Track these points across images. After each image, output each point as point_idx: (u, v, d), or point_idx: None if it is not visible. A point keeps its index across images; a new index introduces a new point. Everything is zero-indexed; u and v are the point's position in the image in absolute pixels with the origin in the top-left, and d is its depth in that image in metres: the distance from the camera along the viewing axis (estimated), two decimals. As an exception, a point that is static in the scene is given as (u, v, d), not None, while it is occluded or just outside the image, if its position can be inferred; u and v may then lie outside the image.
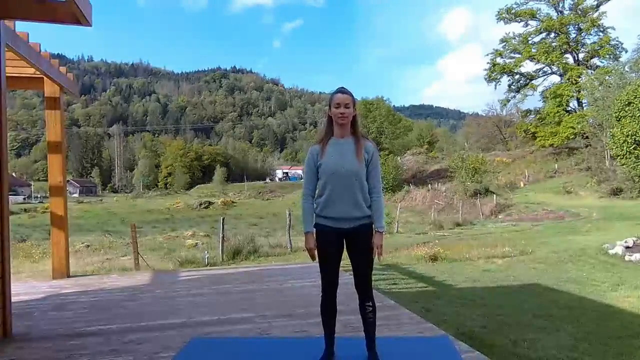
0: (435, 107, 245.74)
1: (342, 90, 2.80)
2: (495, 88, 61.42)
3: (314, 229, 2.79)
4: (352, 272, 2.84)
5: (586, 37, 40.48)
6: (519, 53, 42.38)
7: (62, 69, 6.25)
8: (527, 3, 41.88)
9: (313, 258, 2.80)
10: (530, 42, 42.09)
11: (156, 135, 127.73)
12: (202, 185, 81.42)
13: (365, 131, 36.17)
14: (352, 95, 2.78)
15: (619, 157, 24.58)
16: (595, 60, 40.22)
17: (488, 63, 43.72)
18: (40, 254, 10.74)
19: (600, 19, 39.06)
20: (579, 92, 37.50)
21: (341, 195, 2.71)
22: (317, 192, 2.79)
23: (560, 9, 41.77)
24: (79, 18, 3.88)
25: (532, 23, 42.28)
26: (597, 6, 39.70)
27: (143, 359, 3.21)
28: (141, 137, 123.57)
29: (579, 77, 37.96)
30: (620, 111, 23.87)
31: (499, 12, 42.53)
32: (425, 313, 5.15)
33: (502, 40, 43.10)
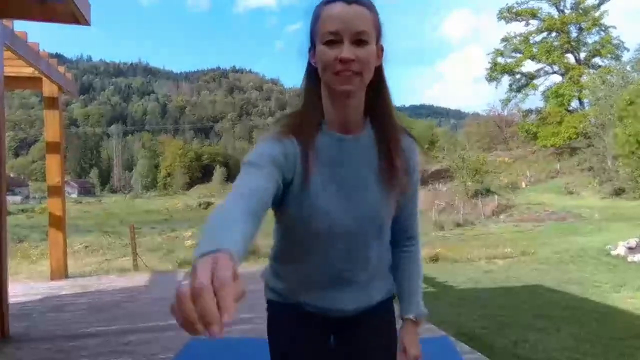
0: (436, 107, 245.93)
1: None
2: (496, 87, 61.34)
3: (234, 256, 0.62)
4: None
5: (587, 36, 40.49)
6: (520, 52, 42.35)
7: (61, 69, 6.22)
8: (528, 2, 41.87)
9: (192, 329, 0.53)
10: (531, 41, 42.08)
11: (155, 135, 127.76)
12: (202, 185, 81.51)
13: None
14: (370, 11, 1.02)
15: (621, 157, 24.53)
16: (597, 60, 40.22)
17: (489, 62, 43.72)
18: (38, 254, 10.71)
19: (602, 18, 39.06)
20: (581, 91, 37.48)
21: (343, 274, 1.13)
22: (281, 247, 1.20)
23: (561, 8, 41.75)
24: (77, 17, 3.85)
25: (533, 22, 42.27)
26: (599, 5, 39.69)
27: (142, 361, 3.18)
28: (140, 137, 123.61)
29: (581, 76, 37.96)
30: (623, 111, 23.83)
31: (500, 11, 42.53)
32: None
33: (503, 40, 43.09)
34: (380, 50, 1.05)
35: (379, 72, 1.06)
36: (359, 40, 0.97)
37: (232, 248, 0.63)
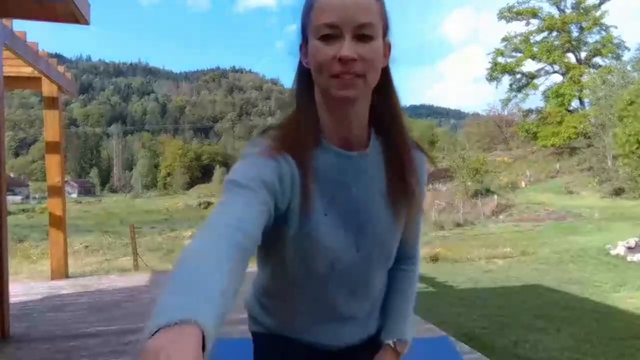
0: (436, 107, 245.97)
1: None
2: (497, 87, 61.41)
3: (207, 330, 0.48)
4: None
5: (588, 36, 40.48)
6: (520, 52, 42.35)
7: (60, 69, 6.21)
8: (528, 1, 41.86)
9: None
10: (531, 41, 42.07)
11: (155, 135, 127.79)
12: (202, 185, 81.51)
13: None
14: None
15: (621, 157, 24.54)
16: (597, 59, 40.23)
17: (489, 62, 43.71)
18: (38, 254, 10.72)
19: (603, 18, 39.06)
20: (581, 91, 37.49)
21: (343, 310, 0.98)
22: (266, 283, 1.03)
23: (562, 7, 41.75)
24: (77, 17, 3.84)
25: (534, 22, 42.25)
26: (599, 4, 39.69)
27: (141, 361, 3.18)
28: (140, 137, 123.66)
29: (581, 76, 37.96)
30: (623, 110, 23.84)
31: (500, 10, 42.51)
32: (426, 314, 5.13)
33: (503, 39, 43.08)
34: (387, 47, 0.87)
35: (385, 73, 0.87)
36: (362, 35, 0.80)
37: (205, 319, 0.48)
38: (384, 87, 0.88)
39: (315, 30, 0.81)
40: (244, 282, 0.63)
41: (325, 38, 0.80)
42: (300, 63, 0.89)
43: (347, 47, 0.78)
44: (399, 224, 0.96)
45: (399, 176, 0.91)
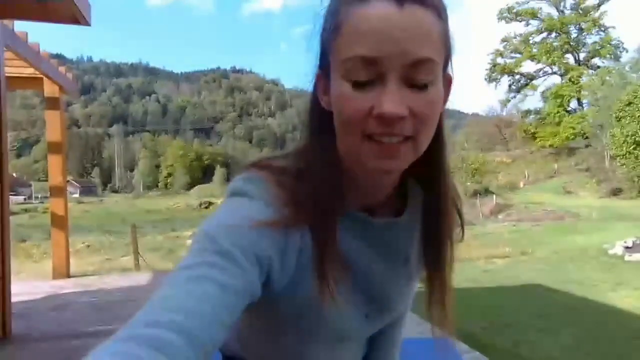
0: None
1: None
2: (496, 88, 61.40)
3: None
4: None
5: (587, 37, 40.53)
6: (519, 53, 42.39)
7: (62, 69, 6.24)
8: (528, 2, 41.91)
9: None
10: (531, 42, 42.11)
11: (156, 135, 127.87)
12: (203, 185, 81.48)
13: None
14: (437, 15, 0.54)
15: (618, 157, 24.59)
16: (596, 60, 40.29)
17: (489, 63, 43.75)
18: (40, 254, 10.76)
19: (602, 19, 39.11)
20: (580, 92, 37.51)
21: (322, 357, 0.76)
22: (242, 331, 0.81)
23: (561, 8, 41.78)
24: (78, 18, 3.87)
25: (533, 23, 42.34)
26: (598, 6, 39.73)
27: None
28: (141, 137, 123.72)
29: (580, 77, 38.00)
30: (621, 111, 23.89)
31: (499, 11, 42.55)
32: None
33: (502, 40, 43.11)
34: (447, 85, 0.61)
35: (441, 124, 0.62)
36: (416, 77, 0.54)
37: None
38: (433, 140, 0.60)
39: (344, 66, 0.55)
40: None
41: (363, 75, 0.54)
42: (314, 96, 0.64)
43: (392, 98, 0.53)
44: (412, 293, 0.80)
45: (436, 239, 0.70)
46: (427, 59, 0.53)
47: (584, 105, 39.15)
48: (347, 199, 0.64)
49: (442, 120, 0.62)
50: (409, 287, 0.78)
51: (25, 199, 62.97)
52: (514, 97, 44.35)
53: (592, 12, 39.71)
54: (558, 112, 38.20)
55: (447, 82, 0.61)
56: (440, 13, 0.56)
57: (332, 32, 0.57)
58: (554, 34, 41.45)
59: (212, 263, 0.50)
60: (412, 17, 0.53)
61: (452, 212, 0.71)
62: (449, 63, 0.60)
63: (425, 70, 0.54)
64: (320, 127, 0.63)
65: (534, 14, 41.70)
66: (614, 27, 39.41)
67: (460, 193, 0.77)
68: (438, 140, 0.62)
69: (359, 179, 0.64)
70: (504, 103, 46.09)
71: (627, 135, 23.11)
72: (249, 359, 0.83)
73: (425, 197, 0.69)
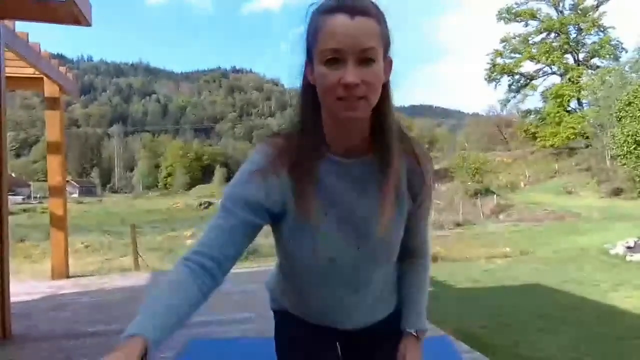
0: (435, 107, 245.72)
1: (352, 6, 0.87)
2: (496, 88, 61.39)
3: (150, 335, 0.77)
4: None
5: (586, 37, 40.51)
6: (519, 53, 42.37)
7: (62, 69, 6.24)
8: (527, 3, 41.89)
9: None
10: (530, 42, 42.10)
11: (156, 135, 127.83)
12: (202, 185, 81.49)
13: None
14: (377, 21, 0.89)
15: (619, 157, 24.60)
16: (596, 61, 40.27)
17: (488, 63, 43.74)
18: (39, 254, 10.75)
19: (601, 19, 39.10)
20: (580, 92, 37.51)
21: (347, 302, 1.10)
22: (284, 273, 1.17)
23: (560, 9, 41.78)
24: (78, 18, 3.86)
25: (533, 23, 42.28)
26: (597, 6, 39.73)
27: (142, 359, 3.20)
28: (141, 137, 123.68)
29: (580, 77, 37.99)
30: (621, 111, 23.90)
31: (499, 12, 42.54)
32: (426, 313, 5.15)
33: (502, 40, 43.10)
34: (388, 65, 0.93)
35: (384, 88, 0.92)
36: (364, 59, 0.85)
37: (147, 330, 0.76)
38: (382, 102, 0.92)
39: (321, 55, 0.87)
40: (201, 293, 0.87)
41: (330, 62, 0.86)
42: (304, 77, 0.95)
43: (350, 73, 0.84)
44: (397, 224, 1.02)
45: (387, 179, 0.97)
46: (370, 47, 0.85)
47: (584, 105, 39.15)
48: (331, 147, 0.97)
49: (388, 91, 0.94)
50: (393, 224, 1.01)
51: (24, 199, 62.90)
52: (514, 97, 44.32)
53: (591, 13, 39.68)
54: (558, 112, 38.17)
55: (389, 62, 0.93)
56: (379, 19, 0.88)
57: (313, 35, 0.90)
58: (553, 35, 41.43)
59: (219, 216, 0.93)
60: (359, 24, 0.85)
61: (394, 154, 0.97)
62: (388, 50, 0.92)
63: (370, 54, 0.86)
64: (306, 95, 0.95)
65: (533, 15, 41.69)
66: (613, 28, 39.40)
67: (423, 150, 1.05)
68: (384, 107, 0.94)
69: (337, 129, 0.95)
70: (504, 103, 46.08)
71: (628, 135, 23.13)
72: (290, 309, 1.17)
73: (378, 148, 0.97)
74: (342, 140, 0.96)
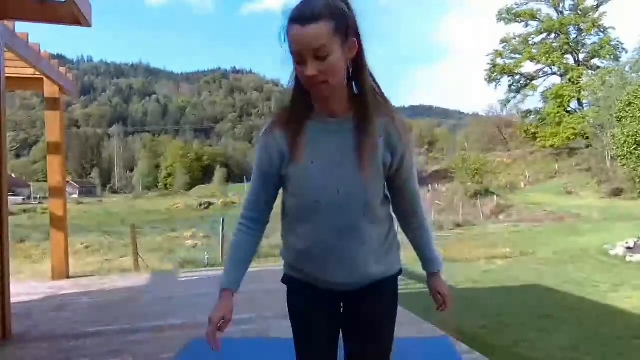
0: (436, 107, 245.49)
1: (300, 16, 1.11)
2: (496, 88, 61.47)
3: (233, 287, 1.29)
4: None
5: (587, 37, 40.52)
6: (519, 54, 42.38)
7: (62, 70, 6.24)
8: (527, 3, 41.92)
9: (215, 344, 1.35)
10: (530, 42, 42.11)
11: (156, 135, 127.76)
12: (202, 185, 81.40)
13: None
14: (327, 20, 1.10)
15: (619, 158, 24.59)
16: (596, 61, 40.26)
17: (488, 64, 43.75)
18: (39, 254, 10.76)
19: (601, 20, 39.11)
20: (580, 92, 37.51)
21: (335, 247, 1.26)
22: (286, 220, 1.36)
23: (560, 9, 41.80)
24: (78, 19, 3.86)
25: (533, 24, 42.32)
26: (597, 6, 39.74)
27: None
28: (141, 137, 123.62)
29: (580, 77, 37.99)
30: (621, 112, 23.89)
31: (499, 12, 42.56)
32: (426, 313, 5.15)
33: (502, 41, 43.11)
34: (352, 45, 1.16)
35: (356, 62, 1.19)
36: (318, 56, 1.10)
37: (234, 283, 1.28)
38: (358, 71, 1.20)
39: (293, 56, 1.15)
40: (255, 239, 1.35)
41: (297, 61, 1.14)
42: (294, 69, 1.21)
43: (309, 69, 1.12)
44: (372, 178, 1.23)
45: (363, 138, 1.20)
46: (320, 46, 1.10)
47: (584, 105, 39.14)
48: (319, 112, 1.24)
49: (362, 62, 1.20)
50: (367, 174, 1.22)
51: (24, 199, 62.88)
52: (514, 97, 44.35)
53: (591, 13, 39.70)
54: (558, 112, 38.18)
55: (352, 43, 1.16)
56: (331, 17, 1.10)
57: (286, 41, 1.15)
58: (553, 35, 41.46)
59: (253, 181, 1.31)
60: (309, 30, 1.09)
61: (368, 113, 1.21)
62: (350, 33, 1.14)
63: (321, 51, 1.10)
64: (296, 78, 1.21)
65: (533, 15, 41.71)
66: (613, 28, 39.42)
67: (400, 118, 1.27)
68: (360, 75, 1.20)
69: (318, 101, 1.23)
70: (504, 103, 46.09)
71: (628, 136, 23.12)
72: (294, 264, 1.37)
73: (356, 109, 1.23)
74: (325, 106, 1.23)
